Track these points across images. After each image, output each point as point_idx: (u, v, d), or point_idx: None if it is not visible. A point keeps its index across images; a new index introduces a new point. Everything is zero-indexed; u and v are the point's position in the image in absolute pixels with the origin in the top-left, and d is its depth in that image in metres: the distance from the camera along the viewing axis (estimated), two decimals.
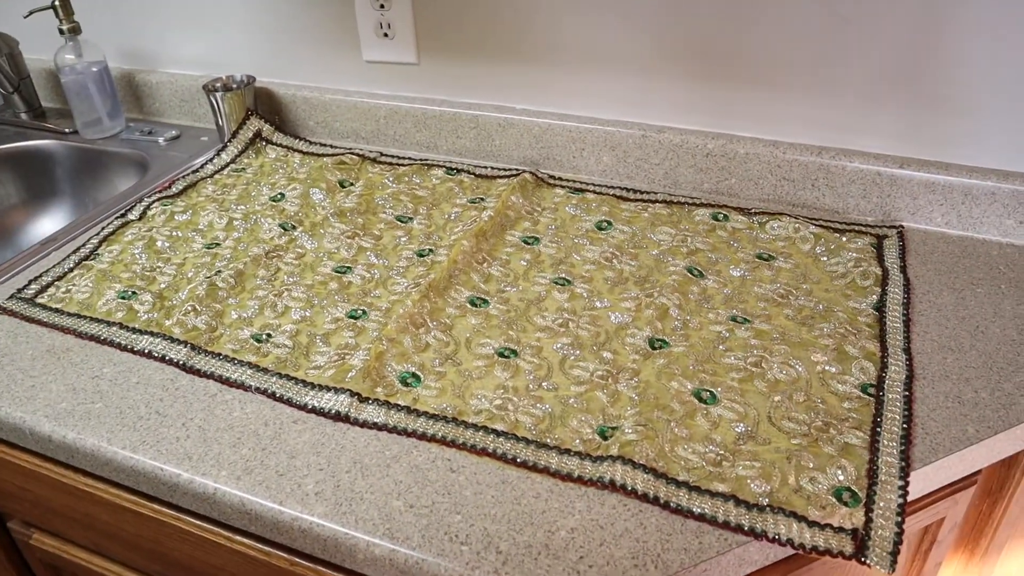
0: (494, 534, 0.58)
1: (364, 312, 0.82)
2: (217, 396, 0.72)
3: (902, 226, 0.92)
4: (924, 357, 0.73)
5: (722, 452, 0.63)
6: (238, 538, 0.68)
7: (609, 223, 0.95)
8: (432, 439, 0.66)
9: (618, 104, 1.04)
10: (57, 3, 1.15)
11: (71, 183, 1.29)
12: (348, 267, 0.89)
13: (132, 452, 0.67)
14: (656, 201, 0.99)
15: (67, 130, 1.27)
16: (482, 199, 1.01)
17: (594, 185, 1.04)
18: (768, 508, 0.58)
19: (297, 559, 0.66)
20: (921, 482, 0.63)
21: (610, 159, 1.05)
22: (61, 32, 1.18)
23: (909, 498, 0.59)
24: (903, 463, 0.61)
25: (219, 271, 0.88)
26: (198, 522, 0.69)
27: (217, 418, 0.70)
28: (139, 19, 1.05)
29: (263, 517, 0.62)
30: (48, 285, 0.89)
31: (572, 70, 1.04)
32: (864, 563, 0.55)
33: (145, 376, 0.75)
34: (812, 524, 0.57)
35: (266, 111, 1.24)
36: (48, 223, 1.29)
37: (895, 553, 0.55)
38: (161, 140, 1.24)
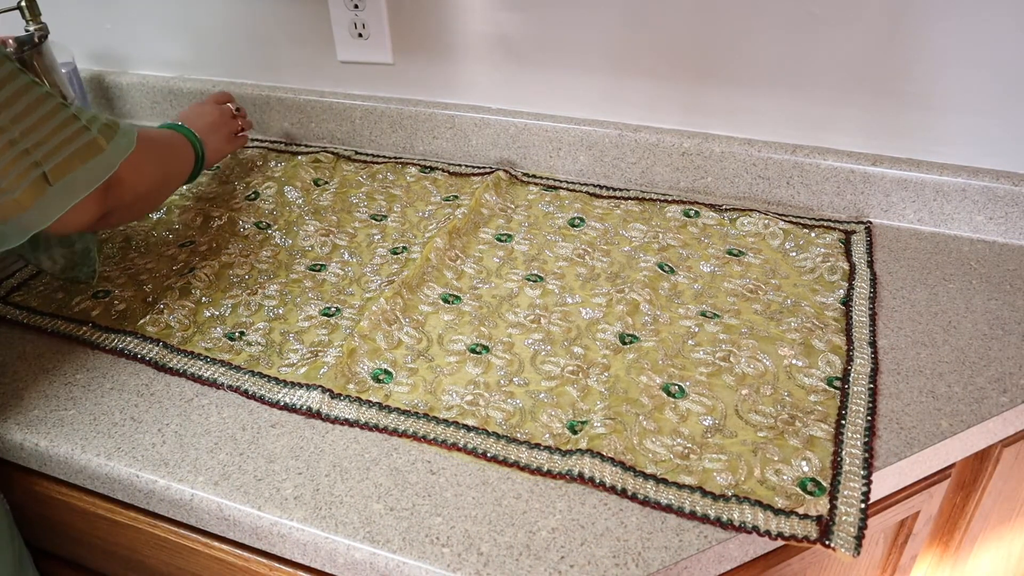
0: (475, 535, 0.58)
1: (338, 309, 0.82)
2: (193, 401, 0.71)
3: (870, 222, 0.93)
4: (898, 352, 0.74)
5: (690, 445, 0.63)
6: (216, 544, 0.67)
7: (582, 220, 0.95)
8: (403, 435, 0.66)
9: (594, 104, 1.04)
10: (23, 4, 1.13)
11: None
12: (323, 265, 0.89)
13: (107, 459, 0.66)
14: (628, 198, 0.99)
15: None
16: (456, 197, 1.01)
17: (567, 183, 1.04)
18: (734, 498, 0.58)
19: (276, 564, 0.65)
20: (896, 476, 0.63)
21: (586, 159, 1.05)
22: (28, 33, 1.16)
23: (883, 492, 0.60)
24: (867, 454, 0.62)
25: (192, 269, 0.88)
26: (175, 529, 0.69)
27: (193, 423, 0.69)
28: (108, 20, 1.03)
29: (241, 523, 0.62)
30: (21, 285, 0.88)
31: (548, 69, 1.04)
32: (829, 547, 0.55)
33: (119, 381, 0.74)
34: (778, 512, 0.57)
35: None
36: None
37: (860, 536, 0.55)
38: None
